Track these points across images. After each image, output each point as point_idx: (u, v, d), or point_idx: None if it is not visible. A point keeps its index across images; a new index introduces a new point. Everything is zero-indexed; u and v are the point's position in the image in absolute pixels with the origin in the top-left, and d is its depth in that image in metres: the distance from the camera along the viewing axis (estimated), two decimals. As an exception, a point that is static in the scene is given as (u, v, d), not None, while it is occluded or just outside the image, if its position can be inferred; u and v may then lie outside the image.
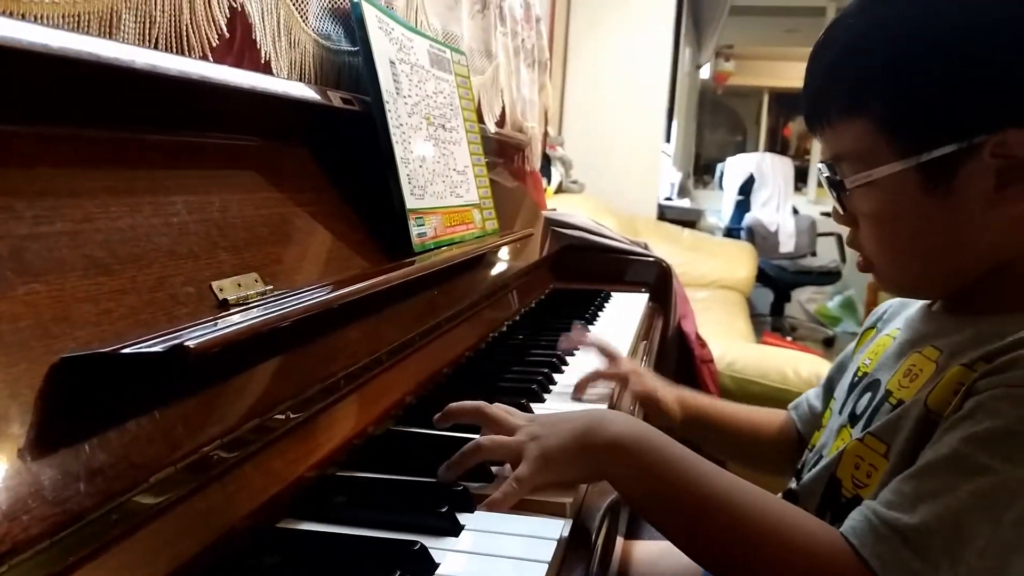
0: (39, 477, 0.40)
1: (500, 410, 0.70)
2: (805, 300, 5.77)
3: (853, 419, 0.72)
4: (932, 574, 0.51)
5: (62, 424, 0.43)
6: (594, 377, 0.96)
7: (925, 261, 0.67)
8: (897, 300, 0.82)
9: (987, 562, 0.51)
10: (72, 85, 0.53)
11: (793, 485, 0.75)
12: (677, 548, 0.62)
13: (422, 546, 0.53)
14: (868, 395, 0.72)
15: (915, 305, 0.75)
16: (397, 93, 0.96)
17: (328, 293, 0.64)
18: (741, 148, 8.27)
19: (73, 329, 0.46)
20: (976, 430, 0.54)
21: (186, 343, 0.44)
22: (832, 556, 0.55)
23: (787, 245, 5.20)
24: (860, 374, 0.77)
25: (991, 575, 0.51)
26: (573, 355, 1.13)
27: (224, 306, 0.58)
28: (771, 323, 5.22)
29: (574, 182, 3.62)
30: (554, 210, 1.96)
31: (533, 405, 0.87)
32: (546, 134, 2.43)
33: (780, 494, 0.76)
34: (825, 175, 0.70)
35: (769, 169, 5.38)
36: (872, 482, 0.64)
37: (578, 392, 0.94)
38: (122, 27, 0.59)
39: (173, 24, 0.65)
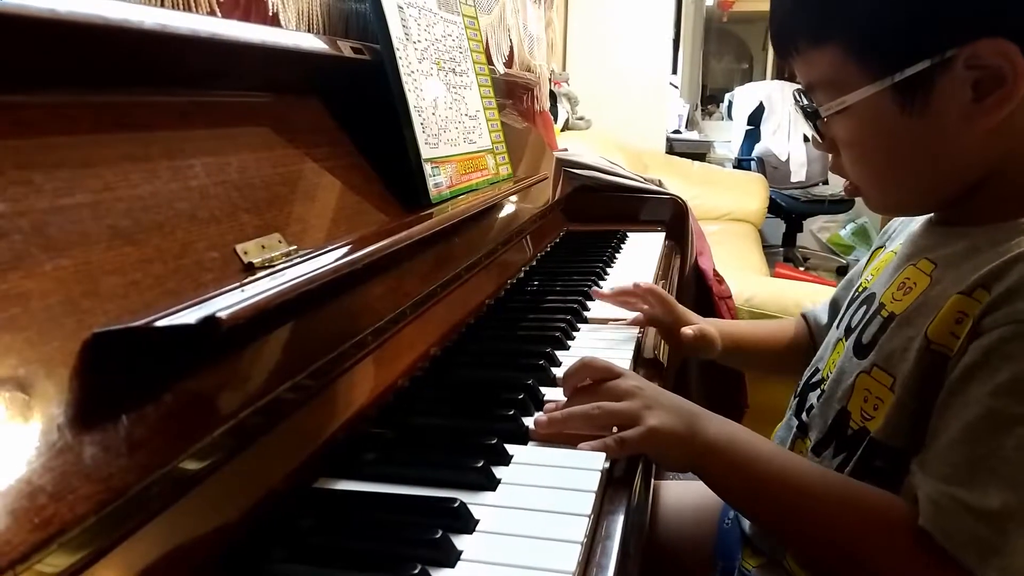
0: (81, 455, 0.40)
1: (604, 367, 0.71)
2: (817, 229, 5.72)
3: (848, 331, 0.74)
4: (1002, 539, 0.52)
5: (99, 400, 0.42)
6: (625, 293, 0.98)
7: (908, 180, 0.67)
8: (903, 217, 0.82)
9: None
10: (81, 51, 0.51)
11: (804, 417, 0.76)
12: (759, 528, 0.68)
13: (461, 503, 0.53)
14: (864, 308, 0.73)
15: (918, 221, 0.75)
16: (407, 39, 0.93)
17: (352, 252, 0.64)
18: (748, 76, 8.10)
19: (103, 302, 0.45)
20: (999, 381, 0.54)
21: (218, 314, 0.44)
22: (904, 535, 0.56)
23: (798, 174, 5.13)
24: (861, 288, 0.78)
25: None
26: (593, 299, 1.13)
27: (250, 269, 0.57)
28: (783, 254, 5.18)
29: (580, 118, 3.56)
30: (565, 150, 1.93)
31: (558, 353, 0.87)
32: (551, 71, 2.38)
33: (793, 431, 0.78)
34: (800, 104, 0.69)
35: (779, 97, 5.27)
36: (878, 415, 0.64)
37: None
38: (127, -15, 0.57)
39: (179, -21, 0.62)
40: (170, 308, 0.46)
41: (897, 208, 0.75)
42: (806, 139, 5.32)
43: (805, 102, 0.68)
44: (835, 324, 0.80)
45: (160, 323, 0.43)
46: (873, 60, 0.61)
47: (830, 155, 0.71)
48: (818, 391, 0.75)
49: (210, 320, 0.44)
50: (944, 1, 0.58)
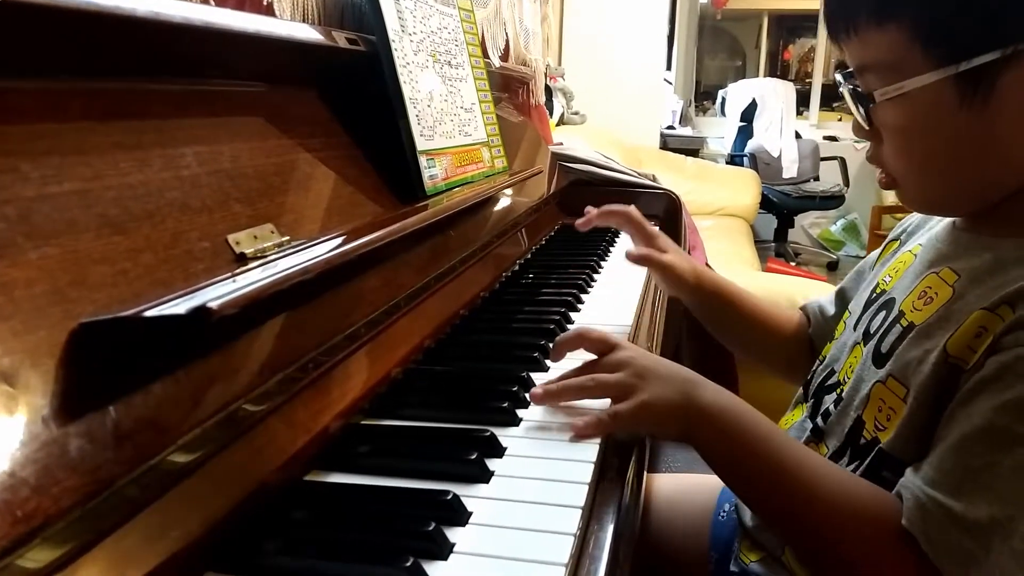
0: (66, 447, 0.39)
1: (599, 336, 0.71)
2: (808, 225, 5.74)
3: (867, 337, 0.72)
4: (983, 552, 0.51)
5: (86, 391, 0.42)
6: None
7: (954, 176, 0.64)
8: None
9: None
10: (72, 37, 0.50)
11: (820, 422, 0.74)
12: (749, 509, 0.65)
13: (455, 495, 0.53)
14: (883, 314, 0.71)
15: (939, 221, 0.73)
16: (402, 30, 0.92)
17: (346, 243, 0.63)
18: (741, 73, 8.10)
19: (91, 292, 0.45)
20: (1008, 398, 0.53)
21: (208, 304, 0.43)
22: (889, 535, 0.56)
23: (790, 170, 5.15)
24: (879, 291, 0.76)
25: None
26: (588, 292, 1.12)
27: (242, 260, 0.57)
28: (775, 249, 5.20)
29: (576, 113, 3.56)
30: (560, 144, 1.93)
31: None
32: (547, 65, 2.38)
33: (807, 434, 0.76)
34: (848, 87, 0.66)
35: (771, 94, 5.29)
36: (891, 426, 0.63)
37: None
38: (119, -29, 0.56)
39: (171, -34, 0.61)
40: (160, 298, 0.45)
41: (933, 206, 0.71)
42: (798, 136, 5.34)
43: (851, 85, 0.65)
44: (851, 326, 0.78)
45: (149, 313, 0.43)
46: (939, 45, 0.58)
47: (869, 143, 0.68)
48: (835, 395, 0.74)
49: (200, 310, 0.43)
50: None
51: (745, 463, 0.63)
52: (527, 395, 0.70)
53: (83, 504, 0.39)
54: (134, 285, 0.47)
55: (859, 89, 0.65)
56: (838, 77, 0.68)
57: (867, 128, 0.66)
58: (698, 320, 1.01)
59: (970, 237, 0.67)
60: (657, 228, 0.99)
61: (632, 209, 0.98)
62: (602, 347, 0.70)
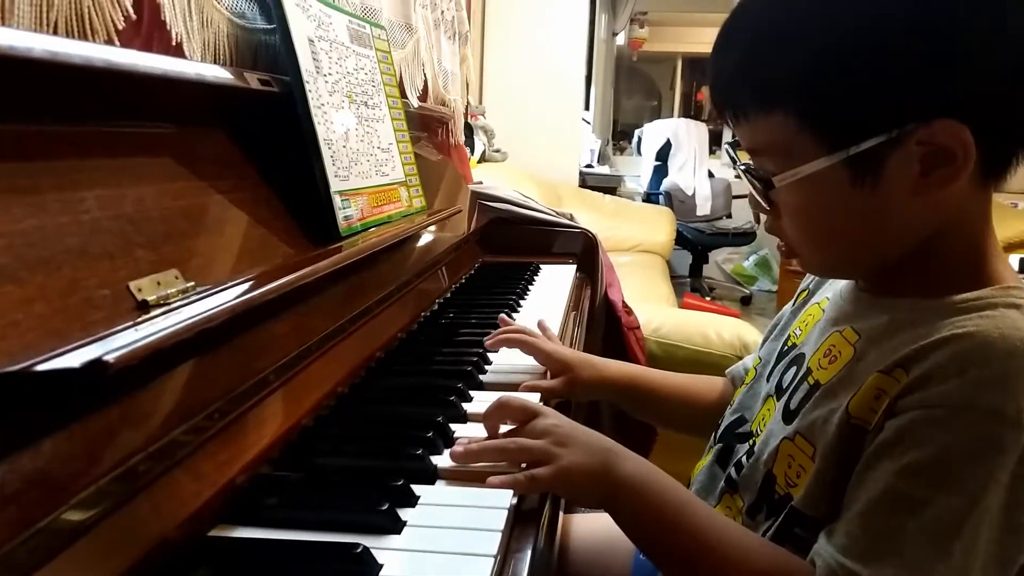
0: (-54, 512, 0.37)
1: (520, 404, 0.71)
2: (722, 260, 5.91)
3: (779, 392, 0.73)
4: None
5: (-30, 450, 0.40)
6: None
7: (850, 248, 0.66)
8: None
9: None
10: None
11: (734, 473, 0.75)
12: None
13: (364, 548, 0.52)
14: (793, 369, 0.73)
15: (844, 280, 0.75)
16: (317, 72, 0.92)
17: (254, 289, 0.62)
18: (656, 113, 8.34)
19: (-23, 345, 0.43)
20: (907, 461, 0.55)
21: (104, 357, 0.41)
22: None
23: (704, 208, 5.30)
24: (790, 343, 0.78)
25: None
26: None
27: (144, 308, 0.55)
28: (690, 284, 5.33)
29: (497, 151, 3.59)
30: (480, 183, 1.94)
31: (471, 389, 0.86)
32: (468, 104, 2.40)
33: (720, 483, 0.77)
34: (743, 167, 0.67)
35: (684, 134, 5.45)
36: (801, 483, 0.64)
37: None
38: (16, 11, 0.54)
39: (74, 6, 0.60)
40: (53, 350, 0.44)
41: (833, 272, 0.74)
42: (711, 175, 5.52)
43: (745, 165, 0.67)
44: (764, 375, 0.79)
45: (41, 367, 0.41)
46: (829, 131, 0.60)
47: (764, 216, 0.69)
48: (747, 446, 0.75)
49: (96, 364, 0.41)
50: (904, 78, 0.57)
51: (664, 537, 0.64)
52: (442, 442, 0.70)
53: (-38, 574, 0.37)
54: (26, 337, 0.45)
55: (756, 172, 0.66)
56: (729, 154, 0.70)
57: (766, 207, 0.67)
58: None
59: (869, 298, 0.69)
60: (551, 341, 0.99)
61: (525, 338, 0.97)
62: (523, 416, 0.70)
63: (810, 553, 0.59)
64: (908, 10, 0.57)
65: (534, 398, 0.88)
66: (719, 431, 0.83)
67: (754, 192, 0.67)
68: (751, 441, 0.75)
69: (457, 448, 0.67)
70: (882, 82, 0.58)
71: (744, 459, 0.74)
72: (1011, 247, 3.68)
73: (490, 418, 0.72)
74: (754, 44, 0.63)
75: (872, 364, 0.61)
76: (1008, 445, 0.53)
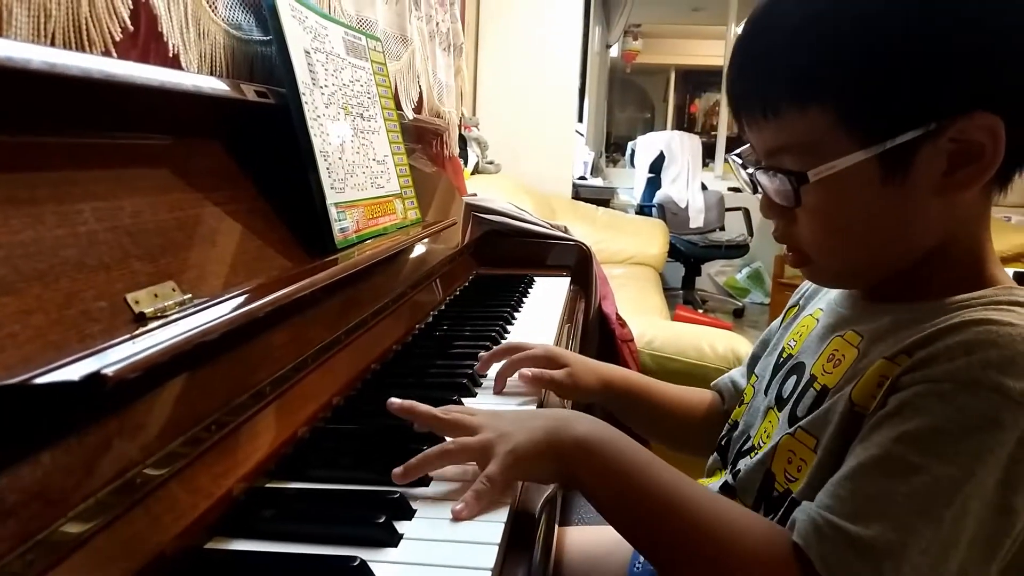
0: (-56, 526, 0.37)
1: (458, 413, 0.70)
2: (715, 273, 5.93)
3: (780, 402, 0.73)
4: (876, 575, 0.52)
5: (-33, 463, 0.39)
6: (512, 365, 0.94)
7: (866, 254, 0.65)
8: None
9: (929, 559, 0.52)
10: (-40, 88, 0.49)
11: (730, 480, 0.75)
12: (636, 549, 0.62)
13: (362, 562, 0.52)
14: (793, 379, 0.73)
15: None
16: (313, 83, 0.92)
17: (251, 301, 0.62)
18: (650, 126, 8.40)
19: (-26, 357, 0.42)
20: (905, 428, 0.54)
21: (103, 371, 0.41)
22: (783, 558, 0.56)
23: (697, 220, 5.32)
24: (785, 355, 0.78)
25: (933, 572, 0.52)
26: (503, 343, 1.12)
27: (141, 320, 0.55)
28: (683, 296, 5.34)
29: (490, 163, 3.60)
30: (475, 195, 1.95)
31: (465, 400, 0.86)
32: (462, 115, 2.41)
33: (717, 488, 0.77)
34: (766, 167, 0.64)
35: (678, 147, 5.47)
36: (802, 476, 0.64)
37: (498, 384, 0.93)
38: (14, 22, 0.55)
39: (71, 18, 0.60)
40: (52, 363, 0.44)
41: (842, 280, 0.72)
42: (704, 187, 5.54)
43: (770, 164, 0.64)
44: (761, 390, 0.79)
45: (39, 380, 0.41)
46: (865, 125, 0.58)
47: (775, 222, 0.68)
48: (748, 458, 0.74)
49: (95, 377, 0.41)
50: (947, 69, 0.56)
51: (630, 497, 0.61)
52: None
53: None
54: (24, 349, 0.45)
55: (786, 169, 0.63)
56: (736, 159, 0.68)
57: (793, 207, 0.64)
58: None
59: (866, 304, 0.69)
60: (549, 347, 0.98)
61: (516, 354, 0.96)
62: (461, 430, 0.68)
63: (789, 525, 0.58)
64: None
65: (534, 394, 0.90)
66: (729, 454, 0.81)
67: (774, 194, 0.66)
68: (753, 455, 0.74)
69: (397, 470, 0.64)
70: (925, 73, 0.57)
71: (743, 467, 0.74)
72: (1004, 261, 3.70)
73: (418, 419, 0.71)
74: (795, 36, 0.61)
75: (877, 357, 0.61)
76: (1008, 423, 0.52)
